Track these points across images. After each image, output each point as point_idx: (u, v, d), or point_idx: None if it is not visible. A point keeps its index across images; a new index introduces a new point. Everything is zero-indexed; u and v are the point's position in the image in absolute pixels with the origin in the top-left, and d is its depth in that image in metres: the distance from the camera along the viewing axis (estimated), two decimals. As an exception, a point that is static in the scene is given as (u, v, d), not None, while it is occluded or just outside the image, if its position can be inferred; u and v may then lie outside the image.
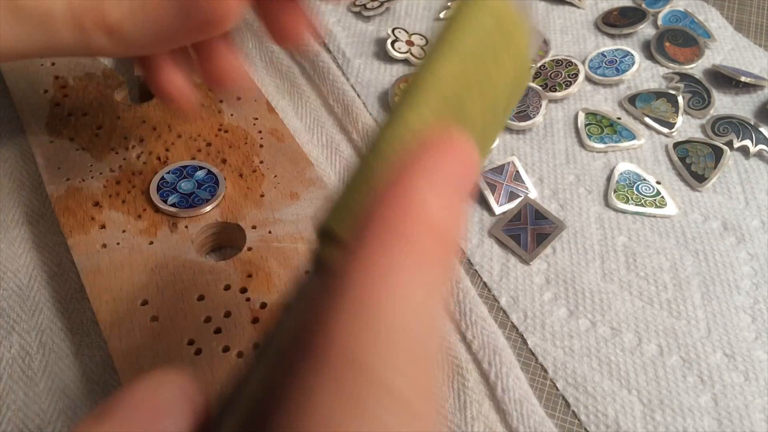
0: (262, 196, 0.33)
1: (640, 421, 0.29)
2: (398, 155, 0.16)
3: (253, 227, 0.32)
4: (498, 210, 0.36)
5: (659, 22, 0.47)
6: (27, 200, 0.34)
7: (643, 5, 0.48)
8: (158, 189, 0.33)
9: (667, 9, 0.48)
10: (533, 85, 0.42)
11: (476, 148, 0.17)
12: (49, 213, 0.34)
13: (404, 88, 0.18)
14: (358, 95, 0.41)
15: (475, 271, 0.34)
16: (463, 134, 0.16)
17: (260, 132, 0.36)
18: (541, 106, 0.41)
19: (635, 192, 0.37)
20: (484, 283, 0.34)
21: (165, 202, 0.32)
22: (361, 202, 0.15)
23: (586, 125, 0.40)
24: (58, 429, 0.27)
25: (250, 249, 0.31)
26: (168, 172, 0.33)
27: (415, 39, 0.44)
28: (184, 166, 0.34)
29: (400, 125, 0.16)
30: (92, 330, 0.30)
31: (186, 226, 0.32)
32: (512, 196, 0.37)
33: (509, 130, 0.40)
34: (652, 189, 0.37)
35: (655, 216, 0.36)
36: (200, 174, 0.34)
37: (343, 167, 0.37)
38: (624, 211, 0.36)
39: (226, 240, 0.33)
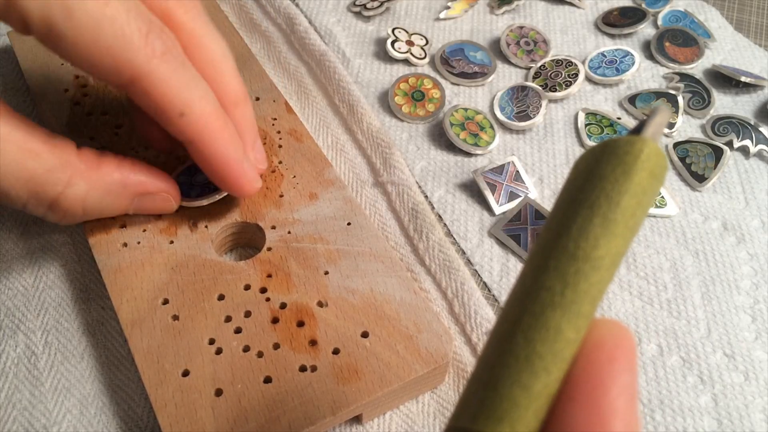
0: (281, 196, 0.33)
1: (640, 421, 0.29)
2: (561, 364, 0.14)
3: (273, 227, 0.32)
4: (498, 210, 0.36)
5: (659, 22, 0.47)
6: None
7: (643, 5, 0.48)
8: None
9: (667, 9, 0.48)
10: (533, 85, 0.42)
11: (632, 337, 0.15)
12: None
13: (554, 266, 0.15)
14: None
15: (475, 271, 0.34)
16: (629, 334, 0.15)
17: (279, 132, 0.36)
18: (541, 106, 0.41)
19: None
20: (484, 283, 0.34)
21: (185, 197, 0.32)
22: (526, 409, 0.14)
23: (586, 125, 0.41)
24: (64, 429, 0.28)
25: (269, 249, 0.31)
26: (180, 174, 0.33)
27: (415, 39, 0.45)
28: (190, 166, 0.34)
29: (554, 330, 0.14)
30: (98, 330, 0.30)
31: (206, 226, 0.32)
32: (512, 196, 0.37)
33: (509, 130, 0.40)
34: (652, 189, 0.37)
35: (655, 216, 0.37)
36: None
37: (349, 168, 0.38)
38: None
39: (246, 240, 0.33)
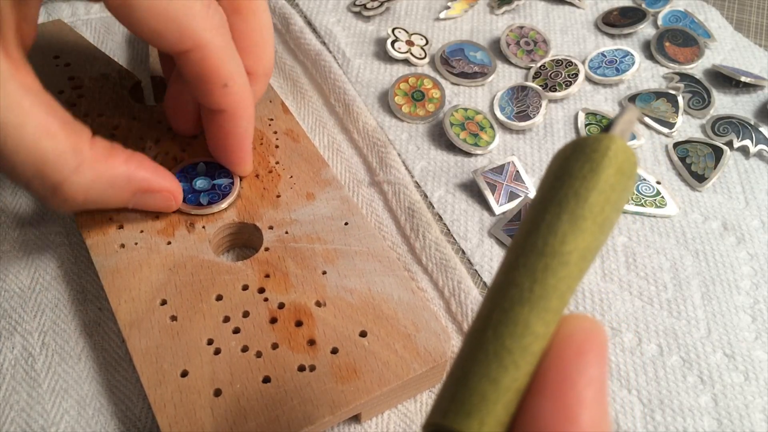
0: (278, 196, 0.33)
1: (640, 421, 0.29)
2: (530, 359, 0.14)
3: (270, 228, 0.32)
4: (498, 210, 0.36)
5: (659, 22, 0.47)
6: (29, 201, 0.35)
7: (643, 5, 0.48)
8: None
9: (667, 9, 0.48)
10: (533, 85, 0.42)
11: (603, 330, 0.15)
12: (50, 214, 0.34)
13: (521, 262, 0.15)
14: (358, 94, 0.41)
15: (475, 271, 0.34)
16: (600, 328, 0.15)
17: (276, 133, 0.36)
18: (541, 106, 0.41)
19: (635, 192, 0.37)
20: (484, 283, 0.34)
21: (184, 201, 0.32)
22: (495, 403, 0.14)
23: (586, 125, 0.40)
24: (62, 429, 0.27)
25: (267, 249, 0.31)
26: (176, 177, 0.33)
27: (415, 39, 0.45)
28: (185, 168, 0.34)
29: (523, 326, 0.14)
30: (95, 331, 0.30)
31: (203, 227, 0.32)
32: (512, 196, 0.37)
33: (509, 130, 0.40)
34: (652, 189, 0.37)
35: (655, 216, 0.36)
36: (202, 168, 0.34)
37: (345, 168, 0.37)
38: (624, 211, 0.37)
39: (243, 240, 0.33)
